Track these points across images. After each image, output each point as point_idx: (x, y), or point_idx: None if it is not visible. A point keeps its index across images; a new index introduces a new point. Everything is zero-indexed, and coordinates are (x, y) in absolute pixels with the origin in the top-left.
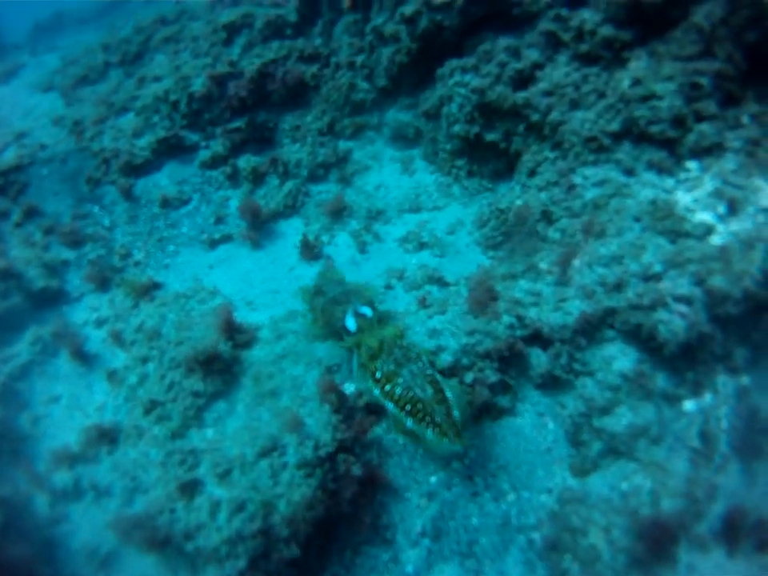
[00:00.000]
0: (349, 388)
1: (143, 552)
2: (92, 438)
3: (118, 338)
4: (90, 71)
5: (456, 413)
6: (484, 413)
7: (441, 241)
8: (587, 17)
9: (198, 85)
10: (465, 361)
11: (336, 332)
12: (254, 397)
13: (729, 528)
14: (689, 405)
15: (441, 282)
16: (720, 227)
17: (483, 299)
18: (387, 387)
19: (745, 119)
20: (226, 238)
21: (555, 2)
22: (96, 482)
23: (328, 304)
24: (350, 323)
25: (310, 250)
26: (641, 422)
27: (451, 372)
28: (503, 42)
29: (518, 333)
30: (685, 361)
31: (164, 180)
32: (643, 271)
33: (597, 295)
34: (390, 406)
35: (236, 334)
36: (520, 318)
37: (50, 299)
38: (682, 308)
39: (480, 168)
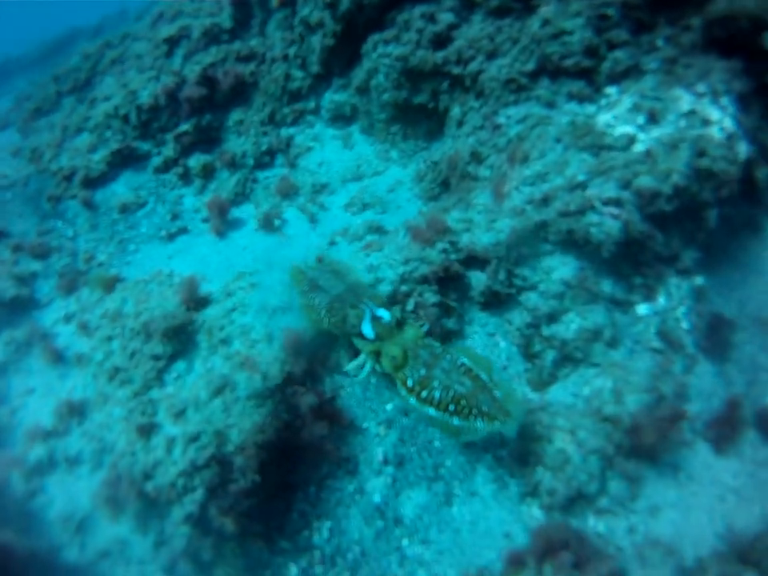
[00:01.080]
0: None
1: (113, 508)
2: (63, 413)
3: (85, 328)
4: (44, 103)
5: (498, 393)
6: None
7: (382, 199)
8: None
9: (145, 97)
10: (404, 288)
11: (345, 334)
12: (207, 349)
13: (714, 426)
14: (642, 309)
15: (381, 231)
16: (641, 136)
17: (423, 233)
18: (424, 394)
19: (659, 42)
20: (182, 231)
21: None
22: (68, 451)
23: (335, 303)
24: (368, 330)
25: (269, 223)
26: (591, 325)
27: (392, 301)
28: (419, 10)
29: (453, 257)
30: (629, 265)
31: (121, 188)
32: (568, 183)
33: (526, 212)
34: (431, 411)
35: (191, 301)
36: (453, 243)
37: (22, 306)
38: (612, 209)
39: (414, 130)
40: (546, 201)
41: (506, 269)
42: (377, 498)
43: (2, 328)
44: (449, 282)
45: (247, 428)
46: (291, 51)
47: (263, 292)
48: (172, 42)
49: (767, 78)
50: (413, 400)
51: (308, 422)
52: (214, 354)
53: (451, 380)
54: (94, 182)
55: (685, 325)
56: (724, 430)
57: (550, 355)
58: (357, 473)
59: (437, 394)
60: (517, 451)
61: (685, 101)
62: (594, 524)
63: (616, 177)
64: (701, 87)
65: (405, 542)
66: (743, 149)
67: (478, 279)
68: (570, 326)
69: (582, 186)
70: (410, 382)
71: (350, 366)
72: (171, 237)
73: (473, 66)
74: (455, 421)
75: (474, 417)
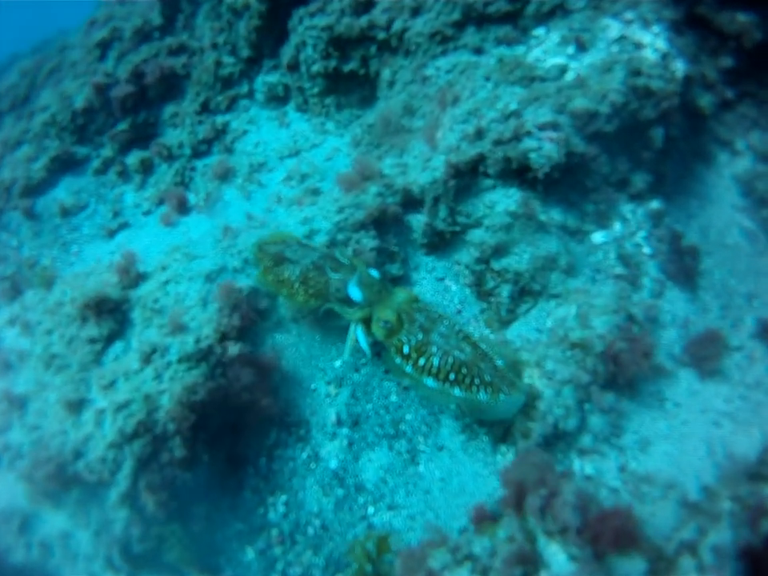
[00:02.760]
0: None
1: (50, 498)
2: (3, 408)
3: (27, 327)
4: None
5: (500, 362)
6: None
7: (319, 168)
8: None
9: (80, 100)
10: (340, 236)
11: (327, 302)
12: (141, 324)
13: (694, 350)
14: (598, 237)
15: (317, 192)
16: (573, 64)
17: (349, 181)
18: (421, 361)
19: None
20: (124, 226)
21: None
22: (9, 446)
23: (311, 272)
24: (355, 293)
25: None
26: (544, 252)
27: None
28: None
29: (389, 200)
30: (577, 193)
31: (62, 194)
32: (501, 114)
33: (461, 148)
34: (429, 382)
35: (124, 279)
36: (388, 186)
37: None
38: (549, 133)
39: (348, 100)
40: (479, 134)
41: (447, 206)
42: (333, 464)
43: None
44: (388, 227)
45: (178, 390)
46: (220, 39)
47: (198, 260)
48: (104, 45)
49: (698, 9)
50: (409, 368)
51: (246, 381)
52: (149, 328)
53: (450, 346)
54: (34, 191)
55: (646, 250)
56: (706, 354)
57: (505, 290)
58: (309, 438)
59: (435, 361)
60: None
61: (614, 28)
62: (579, 466)
63: (550, 103)
64: (629, 15)
65: (370, 509)
66: (680, 66)
67: (419, 222)
68: (522, 256)
69: (516, 114)
70: (406, 349)
71: (346, 352)
72: (112, 233)
73: (397, 25)
74: (456, 391)
75: (476, 387)
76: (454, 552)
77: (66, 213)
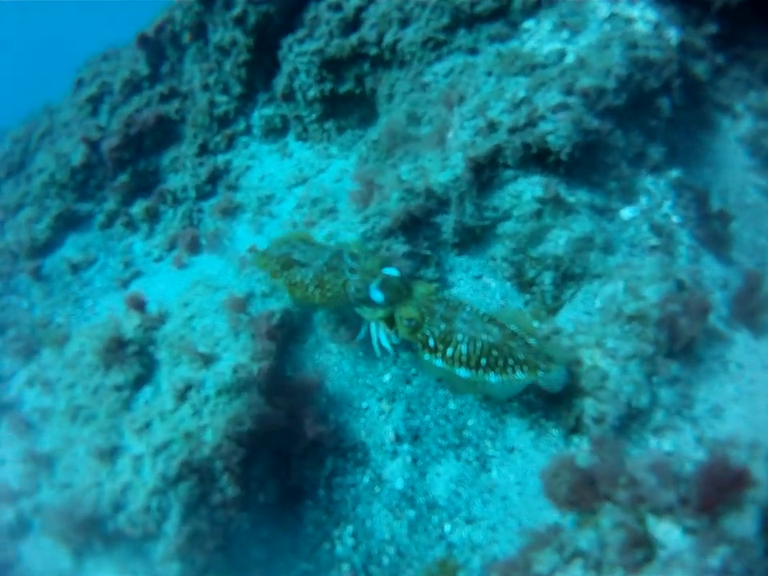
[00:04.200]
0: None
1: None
2: (29, 470)
3: (47, 385)
4: None
5: (532, 340)
6: None
7: (329, 191)
8: None
9: (77, 157)
10: (370, 246)
11: (344, 305)
12: (170, 364)
13: (741, 308)
14: (626, 213)
15: (333, 212)
16: (570, 47)
17: (366, 192)
18: (449, 351)
19: None
20: (136, 275)
21: None
22: (40, 507)
23: (325, 275)
24: (377, 295)
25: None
26: (579, 234)
27: None
28: (324, 3)
29: (413, 203)
30: (597, 171)
31: (69, 251)
32: (510, 103)
33: (477, 143)
34: (462, 372)
35: (146, 320)
36: (409, 190)
37: None
38: (562, 114)
39: (347, 121)
40: (492, 126)
41: (472, 202)
42: (400, 484)
43: None
44: (417, 231)
45: (222, 424)
46: (211, 79)
47: (222, 291)
48: (95, 100)
49: None
50: (439, 362)
51: (281, 401)
52: (178, 366)
53: (476, 330)
54: (40, 251)
55: (675, 219)
56: (753, 308)
57: (547, 278)
58: (368, 461)
59: (464, 348)
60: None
61: (602, 8)
62: (657, 444)
63: (557, 86)
64: None
65: (447, 527)
66: (673, 33)
67: (447, 222)
68: (558, 241)
69: (526, 100)
70: (431, 342)
71: (377, 350)
72: (126, 283)
73: (388, 38)
74: (492, 377)
75: (511, 368)
76: (560, 551)
77: (75, 269)
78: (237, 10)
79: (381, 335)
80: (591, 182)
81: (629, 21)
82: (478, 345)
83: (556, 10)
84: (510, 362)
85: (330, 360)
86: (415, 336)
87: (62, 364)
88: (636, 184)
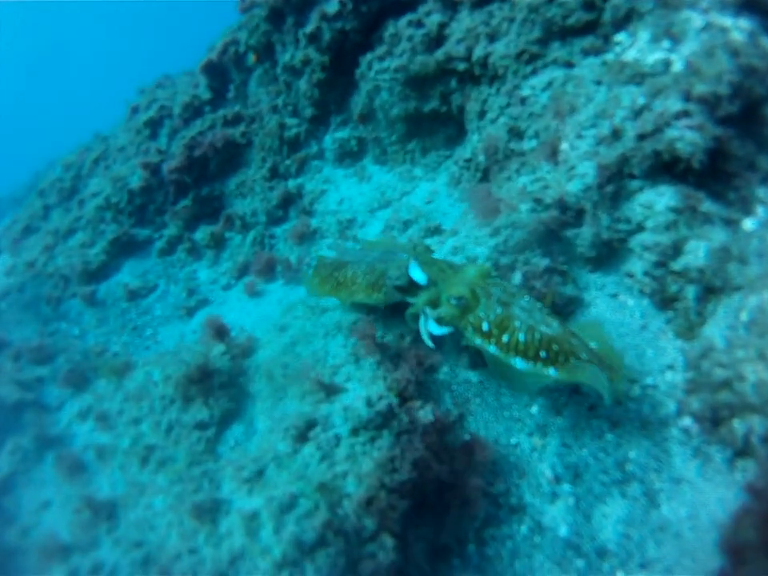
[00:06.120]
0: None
1: None
2: (84, 520)
3: (104, 419)
4: (32, 220)
5: (594, 344)
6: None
7: (422, 212)
8: None
9: (136, 180)
10: (504, 260)
11: (392, 297)
12: (272, 397)
13: None
14: (748, 224)
15: (439, 231)
16: (674, 56)
17: (489, 205)
18: (505, 338)
19: None
20: (203, 303)
21: None
22: (101, 567)
23: (371, 267)
24: (417, 274)
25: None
26: (718, 245)
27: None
28: (404, 20)
29: (543, 215)
30: (719, 181)
31: (126, 278)
32: (630, 111)
33: (601, 153)
34: (518, 363)
35: (232, 347)
36: (538, 201)
37: (29, 412)
38: (685, 121)
39: (432, 141)
40: (616, 134)
41: (607, 213)
42: (564, 531)
43: (6, 437)
44: (551, 244)
45: (368, 470)
46: (279, 101)
47: (330, 313)
48: (153, 124)
49: None
50: (493, 348)
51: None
52: (283, 399)
53: (535, 320)
54: (95, 276)
55: None
56: None
57: (691, 292)
58: (524, 506)
59: (522, 337)
60: (701, 410)
61: (697, 19)
62: None
63: (674, 92)
64: (704, 3)
65: (620, 575)
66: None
67: (579, 233)
68: (698, 252)
69: (647, 107)
70: (485, 326)
71: (427, 340)
72: (191, 311)
73: (478, 52)
74: (551, 371)
75: (573, 368)
76: None
77: (133, 296)
78: (311, 27)
79: (429, 323)
80: (713, 191)
81: (724, 30)
82: (537, 336)
83: (649, 21)
84: (572, 360)
85: (469, 391)
86: (466, 320)
87: (123, 396)
88: (751, 194)
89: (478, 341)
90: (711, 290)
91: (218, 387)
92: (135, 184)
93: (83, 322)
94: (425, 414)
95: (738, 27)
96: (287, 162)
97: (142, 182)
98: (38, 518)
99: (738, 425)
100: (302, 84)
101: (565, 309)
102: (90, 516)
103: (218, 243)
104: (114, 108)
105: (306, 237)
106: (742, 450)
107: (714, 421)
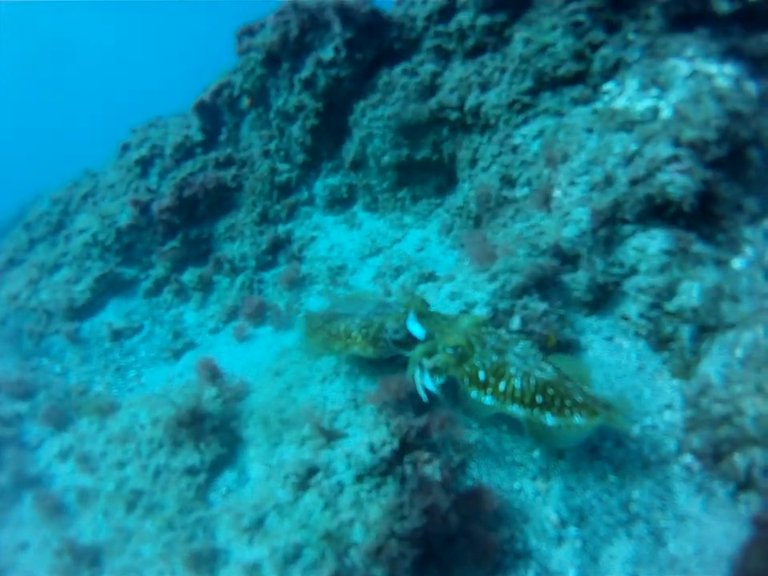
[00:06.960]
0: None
1: None
2: (65, 564)
3: (86, 461)
4: (16, 252)
5: (587, 387)
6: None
7: (414, 259)
8: (462, 17)
9: (124, 218)
10: (502, 305)
11: (388, 350)
12: (267, 443)
13: None
14: (738, 263)
15: (433, 278)
16: (662, 103)
17: (485, 250)
18: (502, 385)
19: (631, 36)
20: (189, 346)
21: (429, 23)
22: None
23: (368, 321)
24: (415, 328)
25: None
26: (711, 284)
27: (495, 324)
28: (398, 69)
29: (540, 260)
30: (708, 223)
31: (110, 317)
32: (622, 156)
33: (594, 198)
34: (515, 409)
35: (224, 390)
36: (534, 246)
37: (7, 449)
38: (676, 166)
39: (423, 189)
40: (609, 180)
41: (601, 257)
42: (572, 575)
43: None
44: (548, 289)
45: (376, 517)
46: (272, 146)
47: (326, 358)
48: (144, 163)
49: (733, 41)
50: (489, 399)
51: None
52: (279, 445)
53: (529, 366)
54: (79, 313)
55: None
56: None
57: (686, 332)
58: (530, 552)
59: (517, 383)
60: (702, 446)
61: (682, 66)
62: None
63: (663, 138)
64: (689, 52)
65: None
66: (752, 87)
67: (574, 277)
68: (692, 292)
69: (638, 154)
70: (482, 375)
71: (422, 394)
72: (177, 354)
73: (471, 102)
74: (548, 418)
75: (569, 411)
76: None
77: (117, 336)
78: (306, 73)
79: (425, 377)
80: (703, 233)
81: (709, 77)
82: (532, 381)
83: (637, 70)
84: (568, 403)
85: (471, 436)
86: (462, 369)
87: (107, 437)
88: (740, 235)
89: (473, 393)
90: (705, 328)
91: (210, 431)
92: (123, 222)
93: (65, 360)
94: (432, 471)
95: (723, 73)
96: (277, 207)
97: (131, 219)
98: (13, 559)
99: (739, 459)
100: (295, 129)
101: (562, 353)
102: (72, 561)
103: (206, 286)
104: (104, 146)
105: (296, 282)
106: (745, 484)
107: (715, 456)
